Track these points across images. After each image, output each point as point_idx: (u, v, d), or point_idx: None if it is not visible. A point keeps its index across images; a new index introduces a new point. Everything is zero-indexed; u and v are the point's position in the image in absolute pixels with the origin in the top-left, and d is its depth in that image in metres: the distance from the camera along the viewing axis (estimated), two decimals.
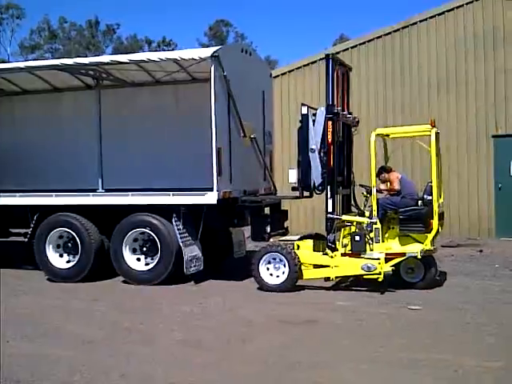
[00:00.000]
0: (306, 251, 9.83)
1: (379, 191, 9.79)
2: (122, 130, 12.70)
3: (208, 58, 10.03)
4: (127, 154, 12.59)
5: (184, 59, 10.60)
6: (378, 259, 9.19)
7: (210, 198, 9.96)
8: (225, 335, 7.23)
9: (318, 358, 6.30)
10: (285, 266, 9.46)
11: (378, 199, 9.51)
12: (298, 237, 15.95)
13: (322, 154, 9.68)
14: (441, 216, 9.53)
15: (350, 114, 10.42)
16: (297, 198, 10.40)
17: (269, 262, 9.60)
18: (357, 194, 10.43)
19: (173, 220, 10.19)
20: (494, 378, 5.64)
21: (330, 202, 9.53)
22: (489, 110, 15.09)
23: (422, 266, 9.49)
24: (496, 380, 5.60)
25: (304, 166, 9.86)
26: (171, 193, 10.32)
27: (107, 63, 11.22)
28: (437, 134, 9.51)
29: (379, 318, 7.87)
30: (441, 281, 9.94)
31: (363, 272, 9.24)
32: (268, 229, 10.93)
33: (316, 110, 9.92)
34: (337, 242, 9.67)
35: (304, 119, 9.86)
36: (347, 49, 16.75)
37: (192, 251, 10.26)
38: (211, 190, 9.96)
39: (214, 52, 9.98)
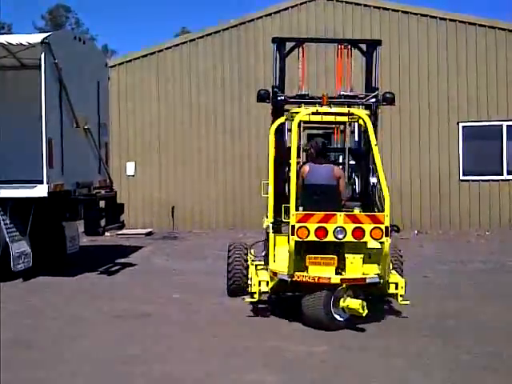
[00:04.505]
0: None
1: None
2: None
3: (38, 45, 9.57)
4: None
5: (11, 44, 10.01)
6: None
7: (40, 190, 9.53)
8: (55, 333, 6.97)
9: (152, 351, 6.25)
10: None
11: None
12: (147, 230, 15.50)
13: None
14: None
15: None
16: None
17: None
18: None
19: None
20: (319, 359, 5.94)
21: None
22: None
23: None
24: (321, 361, 5.89)
25: None
26: None
27: None
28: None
29: (213, 310, 7.98)
30: None
31: None
32: (102, 223, 10.70)
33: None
34: None
35: None
36: (185, 42, 16.84)
37: (20, 247, 9.78)
38: (41, 182, 9.52)
39: (44, 38, 9.55)
